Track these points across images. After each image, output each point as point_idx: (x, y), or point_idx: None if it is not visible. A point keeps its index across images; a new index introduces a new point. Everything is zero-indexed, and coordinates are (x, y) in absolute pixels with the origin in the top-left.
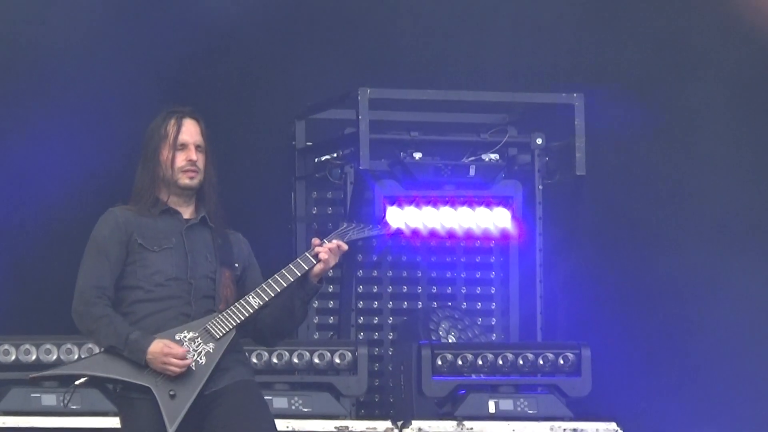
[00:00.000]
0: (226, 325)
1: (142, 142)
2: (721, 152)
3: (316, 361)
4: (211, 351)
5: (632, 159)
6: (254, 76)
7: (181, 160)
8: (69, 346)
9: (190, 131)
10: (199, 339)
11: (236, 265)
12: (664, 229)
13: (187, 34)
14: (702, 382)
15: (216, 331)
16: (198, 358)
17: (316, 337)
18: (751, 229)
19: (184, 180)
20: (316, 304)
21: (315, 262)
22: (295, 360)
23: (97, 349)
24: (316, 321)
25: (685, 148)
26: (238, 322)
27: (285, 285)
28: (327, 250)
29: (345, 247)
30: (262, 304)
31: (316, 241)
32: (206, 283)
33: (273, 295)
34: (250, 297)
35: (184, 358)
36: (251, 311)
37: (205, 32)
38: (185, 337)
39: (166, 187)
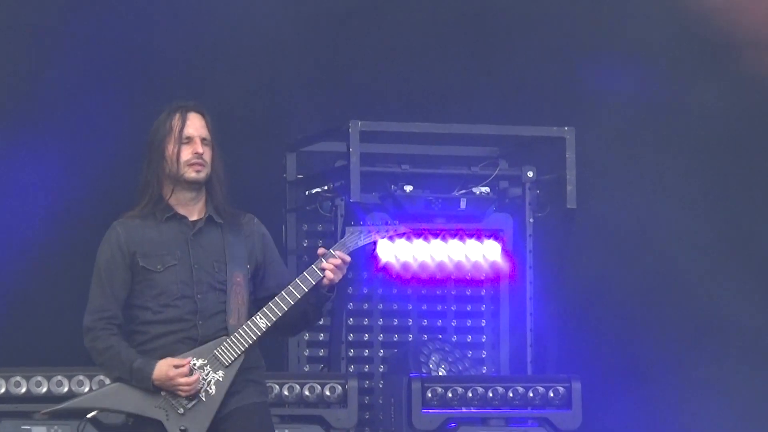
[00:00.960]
0: (234, 351)
1: (147, 140)
2: (722, 174)
3: (307, 393)
4: (221, 379)
5: (624, 192)
6: (246, 108)
7: (187, 153)
8: (80, 377)
9: (195, 125)
10: (208, 366)
11: (248, 266)
12: (657, 261)
13: (179, 64)
14: (693, 415)
15: (225, 358)
16: (208, 388)
17: (306, 369)
18: (743, 258)
19: (191, 173)
20: (306, 336)
21: (321, 275)
22: (286, 392)
23: (108, 380)
24: (306, 353)
25: (678, 180)
26: (247, 346)
27: (292, 303)
28: (333, 268)
29: (348, 259)
30: (270, 325)
31: (321, 251)
32: (214, 296)
33: (281, 314)
34: (258, 318)
35: (191, 373)
36: (259, 334)
37: (198, 64)
38: (195, 365)
39: (172, 183)
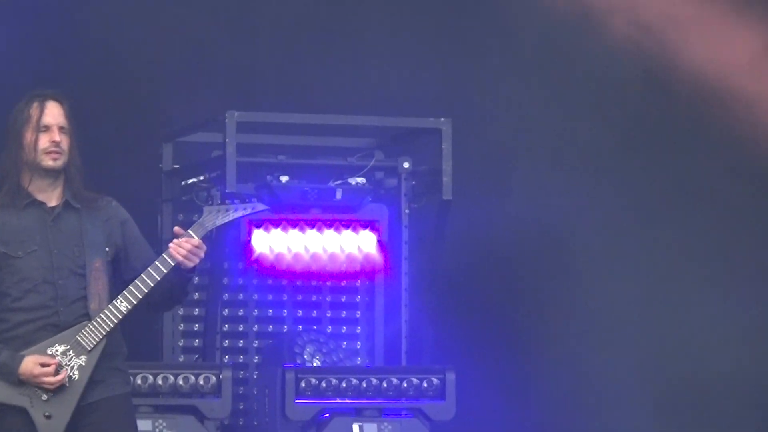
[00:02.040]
0: (96, 335)
1: (5, 128)
2: (593, 173)
3: (181, 383)
4: (84, 364)
5: (500, 184)
6: (122, 98)
7: (44, 141)
8: None
9: (53, 113)
10: (71, 352)
11: (107, 249)
12: (530, 254)
13: (56, 53)
14: (566, 410)
15: (87, 343)
16: (71, 373)
17: (181, 359)
18: (619, 252)
19: (48, 162)
20: (181, 326)
21: (173, 263)
22: (160, 382)
23: None
24: (181, 344)
25: (556, 172)
26: (109, 330)
27: (152, 285)
28: (185, 253)
29: (197, 241)
30: (131, 308)
31: (177, 230)
32: (76, 282)
33: (141, 297)
34: (119, 302)
35: (57, 372)
36: (120, 317)
37: (74, 52)
38: (57, 351)
39: (30, 170)
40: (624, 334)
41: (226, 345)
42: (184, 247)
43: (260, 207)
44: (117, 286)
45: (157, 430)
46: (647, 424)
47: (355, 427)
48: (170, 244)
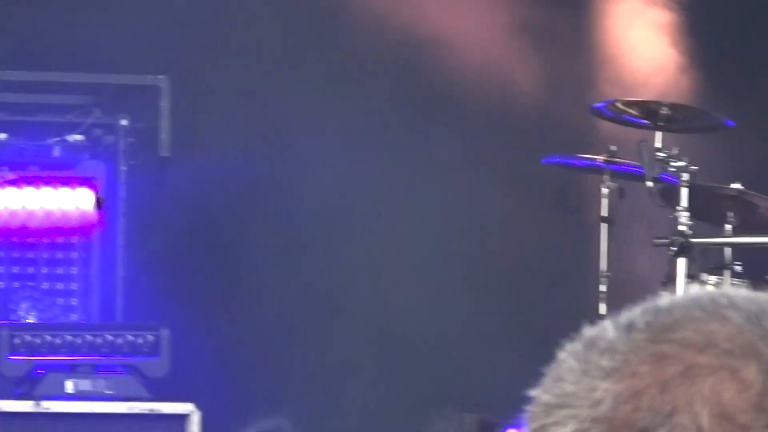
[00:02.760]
0: None
1: None
2: (316, 142)
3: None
4: None
5: (220, 143)
6: None
7: None
8: None
9: None
10: None
11: None
12: (246, 210)
13: None
14: (277, 368)
15: None
16: None
17: None
18: (339, 215)
19: None
20: None
21: None
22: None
23: None
24: None
25: (279, 136)
26: None
27: None
28: None
29: None
30: None
31: None
32: None
33: None
34: None
35: None
36: None
37: None
38: None
39: None
40: (350, 300)
41: None
42: None
43: None
44: None
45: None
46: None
47: (69, 384)
48: None
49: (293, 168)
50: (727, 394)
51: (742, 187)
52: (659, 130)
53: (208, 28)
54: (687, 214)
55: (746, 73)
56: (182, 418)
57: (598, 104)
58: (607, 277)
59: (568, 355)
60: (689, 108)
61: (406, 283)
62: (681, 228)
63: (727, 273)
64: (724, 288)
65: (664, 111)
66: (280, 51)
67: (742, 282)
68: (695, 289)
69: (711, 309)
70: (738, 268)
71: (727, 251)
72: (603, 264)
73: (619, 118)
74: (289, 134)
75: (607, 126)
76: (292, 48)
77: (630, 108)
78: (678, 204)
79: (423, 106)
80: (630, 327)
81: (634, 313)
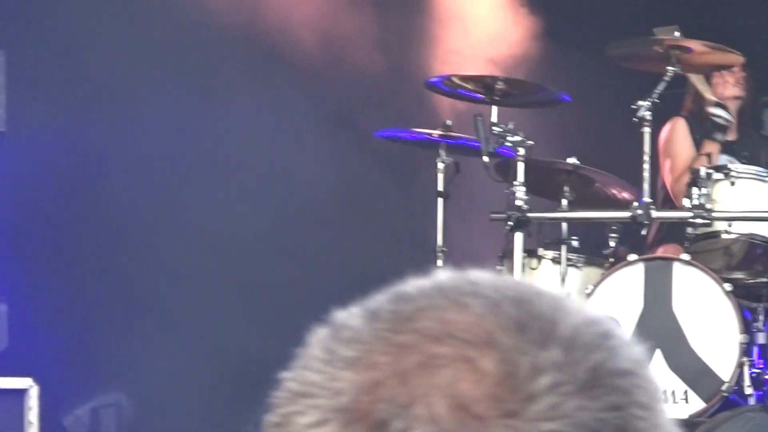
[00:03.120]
0: None
1: None
2: (155, 114)
3: None
4: None
5: (57, 118)
6: None
7: None
8: None
9: None
10: None
11: None
12: (85, 189)
13: None
14: (115, 344)
15: None
16: None
17: None
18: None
19: None
20: None
21: None
22: None
23: None
24: None
25: (117, 109)
26: None
27: None
28: None
29: None
30: None
31: None
32: None
33: None
34: None
35: None
36: None
37: None
38: None
39: None
40: (188, 271)
41: None
42: None
43: None
44: None
45: None
46: None
47: None
48: None
49: (132, 141)
50: (464, 385)
51: (578, 162)
52: (495, 104)
53: (42, 1)
54: (523, 188)
55: (583, 48)
56: (20, 393)
57: (434, 79)
58: (443, 252)
59: (314, 342)
60: (525, 83)
61: (238, 258)
62: (518, 203)
63: (563, 248)
64: (472, 273)
65: (500, 85)
66: (115, 23)
67: (579, 257)
68: (444, 274)
69: (453, 297)
70: (575, 243)
71: (564, 226)
72: (439, 239)
73: (454, 93)
74: (127, 106)
75: (446, 100)
76: (128, 19)
77: (466, 83)
78: (514, 179)
79: (262, 74)
80: (374, 316)
81: (380, 300)
